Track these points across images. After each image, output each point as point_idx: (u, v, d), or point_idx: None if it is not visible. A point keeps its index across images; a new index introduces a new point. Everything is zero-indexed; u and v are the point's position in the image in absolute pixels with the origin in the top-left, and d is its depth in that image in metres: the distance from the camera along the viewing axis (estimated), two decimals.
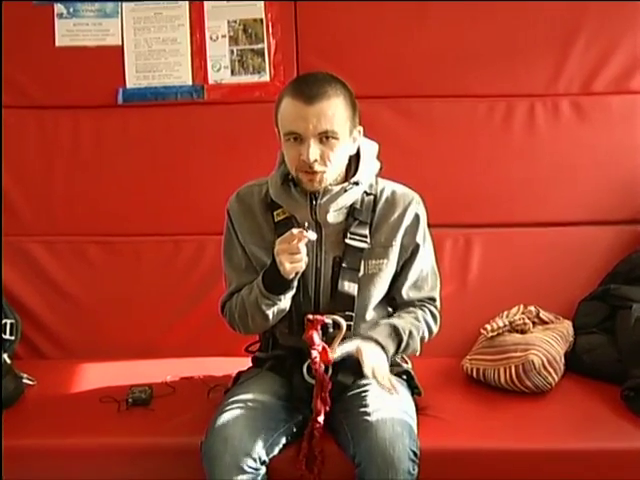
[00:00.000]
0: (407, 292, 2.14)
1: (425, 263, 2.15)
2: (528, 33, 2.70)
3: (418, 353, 2.15)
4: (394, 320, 2.08)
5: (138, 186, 2.73)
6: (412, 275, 2.13)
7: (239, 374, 2.21)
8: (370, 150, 2.10)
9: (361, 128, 2.04)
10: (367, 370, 1.91)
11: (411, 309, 2.13)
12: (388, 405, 1.95)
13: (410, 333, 2.06)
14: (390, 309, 2.18)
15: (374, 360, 1.94)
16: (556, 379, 2.26)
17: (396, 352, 2.05)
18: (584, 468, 2.01)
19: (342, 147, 1.96)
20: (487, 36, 2.71)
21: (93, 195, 2.74)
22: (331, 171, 1.97)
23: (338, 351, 1.93)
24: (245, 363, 2.24)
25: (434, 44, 2.71)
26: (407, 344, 2.06)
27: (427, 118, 2.73)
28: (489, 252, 2.68)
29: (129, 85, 2.70)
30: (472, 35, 2.71)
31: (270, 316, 2.02)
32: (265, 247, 2.05)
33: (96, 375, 2.47)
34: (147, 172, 2.73)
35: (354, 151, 2.05)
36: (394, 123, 2.70)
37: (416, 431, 1.96)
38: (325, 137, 1.92)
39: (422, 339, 2.12)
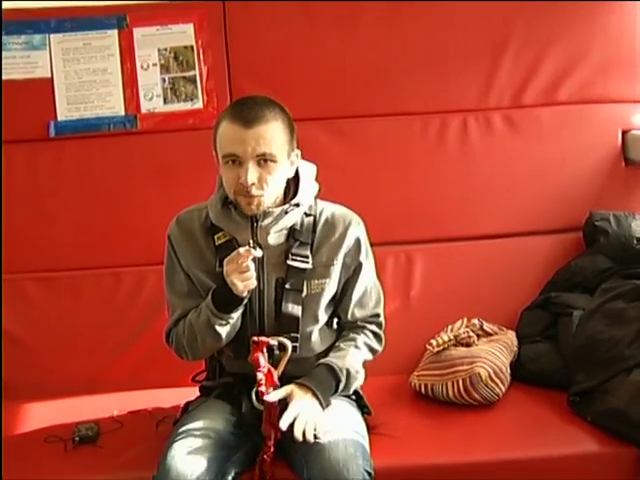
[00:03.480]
0: (352, 311, 2.14)
1: (368, 280, 2.16)
2: (458, 48, 2.74)
3: (362, 384, 2.15)
4: (332, 360, 2.06)
5: (75, 219, 2.68)
6: (356, 294, 2.14)
7: (187, 404, 2.17)
8: (309, 172, 2.11)
9: (299, 152, 2.05)
10: (286, 419, 1.87)
11: (352, 335, 2.14)
12: (340, 426, 1.95)
13: (348, 373, 2.04)
14: (335, 327, 2.17)
15: (303, 408, 1.91)
16: (503, 390, 2.28)
17: (335, 392, 2.04)
18: (535, 475, 2.05)
19: (280, 170, 1.97)
20: (417, 52, 2.74)
21: (30, 231, 2.67)
22: (269, 194, 1.97)
23: (273, 395, 1.91)
24: (192, 393, 2.21)
25: (365, 63, 2.73)
26: (346, 384, 2.05)
27: (361, 138, 2.74)
28: (430, 267, 2.69)
29: (60, 117, 2.66)
30: (402, 52, 2.73)
31: (223, 335, 2.01)
32: (207, 270, 2.05)
33: (41, 415, 2.41)
34: (83, 205, 2.68)
35: (292, 174, 2.05)
36: (329, 144, 2.71)
37: (369, 451, 1.95)
38: (263, 160, 1.93)
39: (365, 362, 2.13)
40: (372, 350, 2.16)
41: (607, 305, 2.35)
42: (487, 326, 2.46)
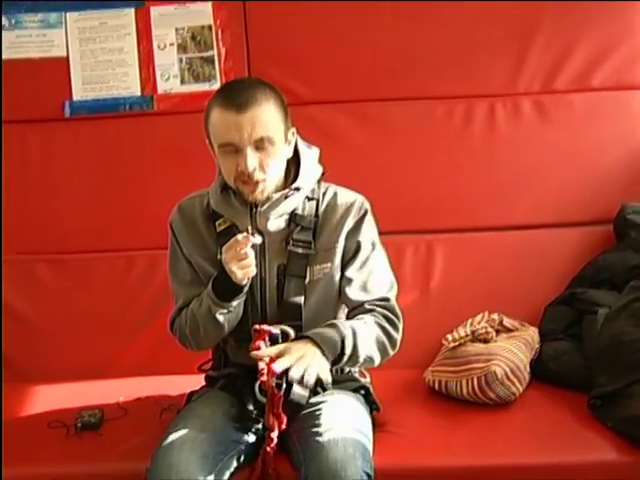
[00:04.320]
0: (355, 294, 2.01)
1: (372, 263, 2.04)
2: (486, 32, 2.63)
3: (377, 364, 2.01)
4: (334, 320, 1.95)
5: (88, 201, 2.66)
6: (359, 276, 2.02)
7: (191, 394, 2.12)
8: (311, 155, 2.03)
9: (294, 129, 1.98)
10: (282, 362, 1.73)
11: (360, 315, 1.99)
12: (341, 424, 1.87)
13: (354, 333, 1.89)
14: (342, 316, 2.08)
15: (303, 353, 1.78)
16: (520, 389, 2.17)
17: (341, 356, 1.88)
18: None
19: (279, 152, 1.90)
20: (444, 36, 2.64)
21: (42, 211, 2.66)
22: (271, 178, 1.90)
23: (267, 350, 1.79)
24: (201, 381, 2.15)
25: (389, 46, 2.64)
26: (354, 347, 1.88)
27: (384, 122, 2.65)
28: (452, 258, 2.60)
29: (76, 97, 2.63)
30: (428, 36, 2.64)
31: (225, 325, 1.95)
32: (209, 258, 1.99)
33: (47, 398, 2.38)
34: (97, 186, 2.66)
35: (291, 153, 1.98)
36: (350, 128, 2.62)
37: (371, 451, 1.87)
38: (261, 144, 1.86)
39: (380, 343, 1.97)
40: (385, 331, 1.98)
41: (635, 304, 2.21)
42: (507, 321, 2.36)
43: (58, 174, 2.66)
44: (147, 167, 2.64)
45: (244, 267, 1.85)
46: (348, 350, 1.88)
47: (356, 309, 2.02)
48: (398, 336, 2.03)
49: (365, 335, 1.93)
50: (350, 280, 2.02)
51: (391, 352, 2.02)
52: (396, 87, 2.65)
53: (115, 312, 2.59)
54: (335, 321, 1.94)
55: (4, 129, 2.64)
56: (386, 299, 2.03)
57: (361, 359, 1.94)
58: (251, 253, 1.85)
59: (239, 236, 1.84)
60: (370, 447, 1.88)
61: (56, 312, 2.61)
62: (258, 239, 1.86)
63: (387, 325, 2.00)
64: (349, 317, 2.05)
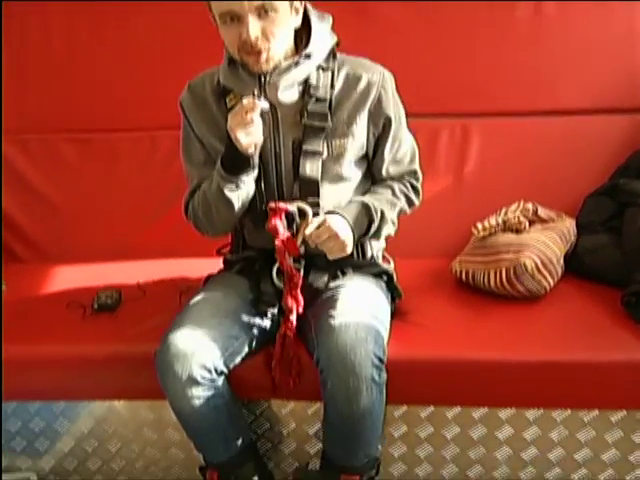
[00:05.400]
0: (387, 169, 1.97)
1: (401, 136, 1.96)
2: None
3: (393, 234, 1.98)
4: (366, 199, 1.89)
5: (112, 79, 2.57)
6: (390, 151, 1.95)
7: (209, 277, 2.08)
8: (322, 23, 1.89)
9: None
10: (313, 225, 1.74)
11: (389, 182, 1.97)
12: (356, 309, 1.81)
13: (382, 216, 1.88)
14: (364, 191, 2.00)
15: (334, 221, 1.77)
16: (551, 283, 2.07)
17: (366, 233, 1.88)
18: (577, 382, 1.85)
19: (283, 20, 1.77)
20: None
21: (66, 91, 2.58)
22: (276, 47, 1.77)
23: (308, 231, 1.74)
24: (220, 265, 2.09)
25: None
26: (378, 227, 1.88)
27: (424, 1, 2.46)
28: (488, 144, 2.45)
29: None
30: None
31: (235, 203, 1.86)
32: (221, 137, 1.88)
33: (68, 278, 2.37)
34: (121, 64, 2.56)
35: (299, 23, 1.84)
36: (386, 5, 2.44)
37: (385, 337, 1.82)
38: (264, 11, 1.73)
39: (400, 212, 1.96)
40: (409, 201, 1.99)
41: None
42: (543, 212, 2.22)
43: (81, 52, 2.57)
44: (173, 43, 2.52)
45: (250, 134, 1.75)
46: (371, 231, 1.88)
47: (385, 180, 1.98)
48: (418, 202, 2.03)
49: (393, 217, 1.93)
50: (381, 155, 1.96)
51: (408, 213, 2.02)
52: None
53: (139, 193, 2.55)
54: (367, 202, 1.88)
55: (26, 9, 2.55)
56: (414, 171, 2.01)
57: (381, 237, 1.97)
58: (258, 120, 1.75)
59: (244, 100, 1.73)
60: (384, 333, 1.83)
61: (79, 192, 2.57)
62: (265, 103, 1.74)
63: (412, 194, 2.01)
64: (377, 185, 1.99)
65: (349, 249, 1.80)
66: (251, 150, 1.78)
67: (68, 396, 2.06)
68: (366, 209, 1.87)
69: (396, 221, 1.95)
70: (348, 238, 1.79)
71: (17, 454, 2.16)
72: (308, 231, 1.73)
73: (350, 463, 1.82)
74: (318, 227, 1.75)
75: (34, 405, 2.10)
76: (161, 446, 2.11)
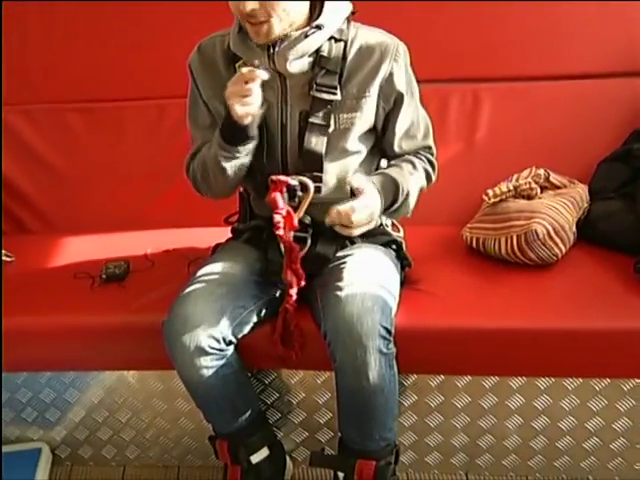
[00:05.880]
0: (399, 144, 1.92)
1: (413, 111, 1.92)
2: None
3: (410, 215, 1.93)
4: (394, 174, 1.85)
5: (118, 46, 2.52)
6: (401, 126, 1.91)
7: (217, 246, 2.06)
8: None
9: None
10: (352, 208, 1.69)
11: (407, 157, 1.92)
12: (363, 279, 1.79)
13: (406, 197, 1.84)
14: (372, 169, 1.97)
15: (372, 203, 1.73)
16: (563, 250, 2.03)
17: (386, 210, 1.83)
18: (589, 350, 1.83)
19: None
20: None
21: (71, 59, 2.54)
22: (279, 19, 1.70)
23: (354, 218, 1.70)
24: (229, 234, 2.07)
25: None
26: (398, 207, 1.84)
27: None
28: (500, 109, 2.40)
29: None
30: None
31: (228, 170, 1.83)
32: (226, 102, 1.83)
33: (75, 249, 2.36)
34: (126, 30, 2.51)
35: None
36: None
37: (394, 307, 1.80)
38: None
39: (421, 191, 1.92)
40: (428, 176, 1.95)
41: None
42: (554, 177, 2.19)
43: (85, 18, 2.52)
44: (180, 10, 2.47)
45: (245, 104, 1.71)
46: (391, 209, 1.84)
47: (401, 156, 1.94)
48: (435, 177, 1.99)
49: (415, 198, 1.89)
50: (394, 130, 1.91)
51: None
52: None
53: (146, 163, 2.51)
54: (396, 177, 1.84)
55: None
56: (429, 147, 1.97)
57: (397, 215, 1.93)
58: (257, 91, 1.70)
59: (244, 69, 1.69)
60: (393, 303, 1.81)
61: (86, 163, 2.54)
62: (265, 74, 1.70)
63: (430, 170, 1.97)
64: (397, 159, 1.94)
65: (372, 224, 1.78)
66: (247, 120, 1.74)
67: (77, 366, 2.07)
68: (396, 189, 1.82)
69: (411, 209, 1.90)
70: (376, 212, 1.76)
71: (29, 424, 2.17)
72: (355, 218, 1.69)
73: (366, 446, 1.80)
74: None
75: (44, 376, 2.10)
76: (171, 416, 2.12)
